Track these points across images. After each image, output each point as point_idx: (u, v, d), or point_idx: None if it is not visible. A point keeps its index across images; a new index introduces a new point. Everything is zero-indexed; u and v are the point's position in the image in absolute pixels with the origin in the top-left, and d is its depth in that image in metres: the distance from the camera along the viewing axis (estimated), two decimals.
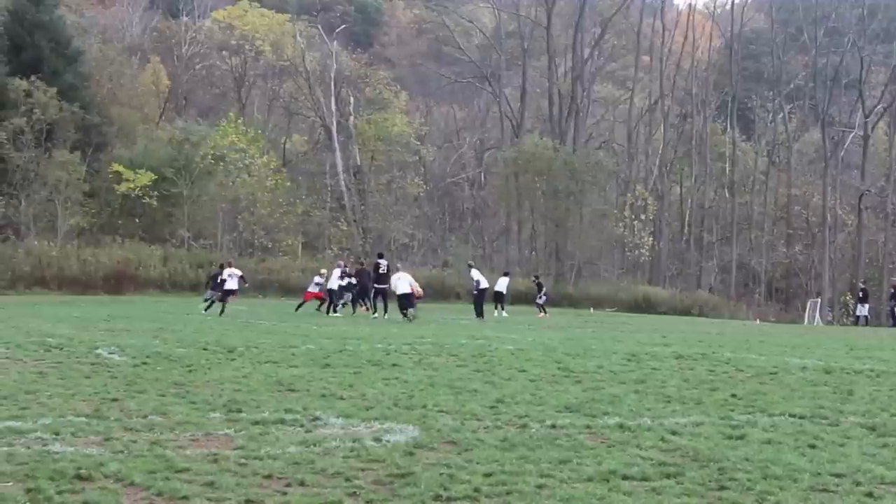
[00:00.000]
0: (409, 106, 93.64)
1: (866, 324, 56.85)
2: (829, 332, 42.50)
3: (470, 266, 47.67)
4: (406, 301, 38.26)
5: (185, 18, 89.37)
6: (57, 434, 10.43)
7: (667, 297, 72.37)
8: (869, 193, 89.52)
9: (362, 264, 46.83)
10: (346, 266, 45.55)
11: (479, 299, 43.75)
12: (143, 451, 9.65)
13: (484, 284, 44.21)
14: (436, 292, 60.86)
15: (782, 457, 9.92)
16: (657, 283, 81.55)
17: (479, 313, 42.78)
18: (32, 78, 61.89)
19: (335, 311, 42.59)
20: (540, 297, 51.84)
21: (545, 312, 49.42)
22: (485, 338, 26.97)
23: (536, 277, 56.66)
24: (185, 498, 8.06)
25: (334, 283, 43.44)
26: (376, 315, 40.57)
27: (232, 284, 40.92)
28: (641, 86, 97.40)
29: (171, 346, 21.39)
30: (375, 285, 41.66)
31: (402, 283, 38.64)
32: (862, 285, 62.62)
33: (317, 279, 45.67)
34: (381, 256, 43.61)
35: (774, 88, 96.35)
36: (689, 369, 19.01)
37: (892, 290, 58.65)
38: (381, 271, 41.17)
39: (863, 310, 57.95)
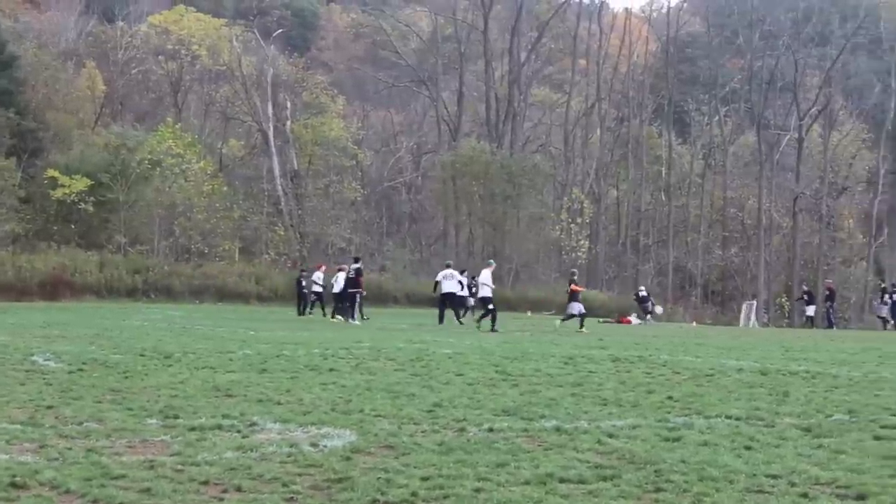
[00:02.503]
0: (347, 110, 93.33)
1: (812, 325, 57.77)
2: (765, 334, 42.86)
3: (447, 265, 45.41)
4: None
5: (120, 23, 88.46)
6: None
7: (604, 300, 72.58)
8: (804, 196, 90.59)
9: (357, 259, 46.40)
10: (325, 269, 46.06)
11: (440, 303, 43.42)
12: (79, 459, 9.57)
13: (445, 289, 43.05)
14: (374, 297, 60.84)
15: (718, 458, 9.98)
16: (594, 286, 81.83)
17: (441, 318, 42.35)
18: None
19: (338, 316, 43.04)
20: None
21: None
22: (422, 342, 27.01)
23: (472, 279, 56.66)
24: None
25: (340, 286, 43.77)
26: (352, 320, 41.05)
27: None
28: (578, 89, 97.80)
29: (108, 353, 21.22)
30: (350, 289, 42.33)
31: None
32: (806, 287, 63.71)
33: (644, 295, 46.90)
34: (356, 261, 44.11)
35: (710, 91, 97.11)
36: (625, 372, 19.11)
37: (828, 292, 59.66)
38: (350, 276, 42.36)
39: (810, 311, 58.88)
